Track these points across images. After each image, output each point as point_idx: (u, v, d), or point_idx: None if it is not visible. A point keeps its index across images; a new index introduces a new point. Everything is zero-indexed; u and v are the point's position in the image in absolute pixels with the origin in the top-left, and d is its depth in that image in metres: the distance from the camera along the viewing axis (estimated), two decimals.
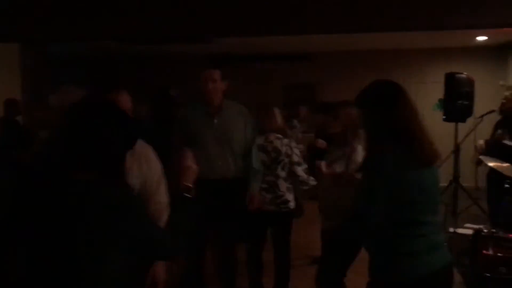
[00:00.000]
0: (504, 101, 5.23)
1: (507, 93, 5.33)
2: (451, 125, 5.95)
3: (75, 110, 1.56)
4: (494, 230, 4.05)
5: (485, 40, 7.73)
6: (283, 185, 3.60)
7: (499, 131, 4.97)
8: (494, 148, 4.91)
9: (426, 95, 8.60)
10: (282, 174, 3.60)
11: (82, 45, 7.50)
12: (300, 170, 3.62)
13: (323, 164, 2.89)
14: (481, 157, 4.73)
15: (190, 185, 1.82)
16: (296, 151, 3.68)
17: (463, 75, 5.78)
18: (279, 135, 3.64)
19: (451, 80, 5.80)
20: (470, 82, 5.76)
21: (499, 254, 3.73)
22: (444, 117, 5.96)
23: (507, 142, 4.62)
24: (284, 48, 8.30)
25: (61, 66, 8.04)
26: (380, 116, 1.91)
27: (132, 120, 1.62)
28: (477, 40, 7.67)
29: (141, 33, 4.78)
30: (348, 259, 3.08)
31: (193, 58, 8.05)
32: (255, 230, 3.65)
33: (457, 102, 5.67)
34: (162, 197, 2.40)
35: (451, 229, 5.55)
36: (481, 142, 5.41)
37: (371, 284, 2.01)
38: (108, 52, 8.26)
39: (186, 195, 1.79)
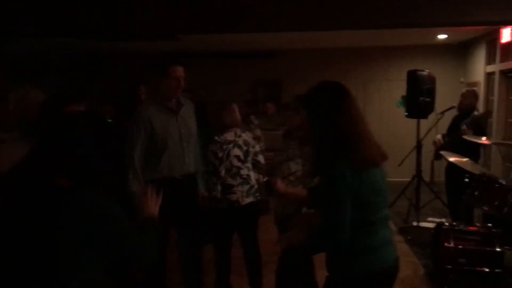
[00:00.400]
0: (462, 98, 5.39)
1: (464, 90, 5.49)
2: (414, 121, 6.11)
3: (63, 120, 1.62)
4: (454, 223, 4.19)
5: (446, 38, 7.94)
6: (253, 175, 3.71)
7: (464, 127, 5.10)
8: (454, 143, 5.06)
9: (390, 92, 8.80)
10: (250, 165, 3.72)
11: (42, 43, 7.30)
12: (263, 158, 3.80)
13: (279, 182, 2.85)
14: (441, 152, 4.86)
15: (154, 216, 1.88)
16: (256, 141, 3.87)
17: (425, 73, 5.92)
18: (242, 129, 3.77)
19: (413, 78, 5.93)
20: (431, 79, 5.90)
21: (459, 246, 3.86)
22: (406, 113, 6.10)
23: (467, 137, 4.76)
24: (250, 45, 8.32)
25: (20, 65, 7.81)
26: (324, 117, 1.91)
27: (116, 137, 1.70)
28: (438, 38, 7.87)
29: (104, 29, 4.69)
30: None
31: (158, 56, 7.99)
32: (226, 228, 3.66)
33: (419, 98, 5.80)
34: None
35: (415, 223, 5.71)
36: (438, 136, 5.57)
37: (330, 278, 2.05)
38: (71, 50, 8.08)
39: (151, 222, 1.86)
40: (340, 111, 1.90)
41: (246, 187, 3.62)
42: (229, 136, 3.61)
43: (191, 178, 3.41)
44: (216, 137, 3.58)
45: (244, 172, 3.63)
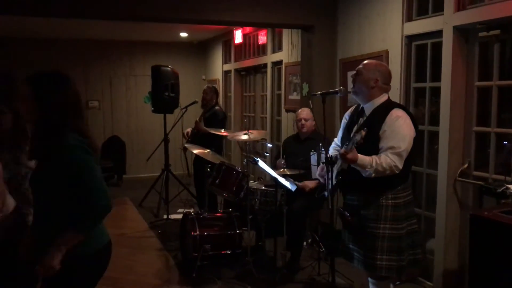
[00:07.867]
0: (204, 94, 5.69)
1: (205, 87, 5.81)
2: (161, 116, 6.19)
3: None
4: (200, 212, 4.38)
5: (187, 37, 8.31)
6: None
7: (197, 120, 5.36)
8: (199, 136, 5.32)
9: (138, 88, 8.75)
10: None
11: None
12: None
13: None
14: (186, 145, 5.03)
15: None
16: None
17: (168, 68, 6.06)
18: None
19: (157, 73, 6.01)
20: (174, 75, 6.08)
21: (204, 233, 4.05)
22: (152, 109, 6.14)
23: (212, 130, 4.99)
24: None
25: None
26: (53, 97, 1.93)
27: None
28: (181, 36, 8.18)
29: None
30: None
31: None
32: None
33: (164, 94, 5.91)
34: None
35: (165, 216, 5.80)
36: (188, 130, 5.79)
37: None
38: None
39: None
40: (67, 94, 1.96)
41: None
42: None
43: None
44: None
45: None
